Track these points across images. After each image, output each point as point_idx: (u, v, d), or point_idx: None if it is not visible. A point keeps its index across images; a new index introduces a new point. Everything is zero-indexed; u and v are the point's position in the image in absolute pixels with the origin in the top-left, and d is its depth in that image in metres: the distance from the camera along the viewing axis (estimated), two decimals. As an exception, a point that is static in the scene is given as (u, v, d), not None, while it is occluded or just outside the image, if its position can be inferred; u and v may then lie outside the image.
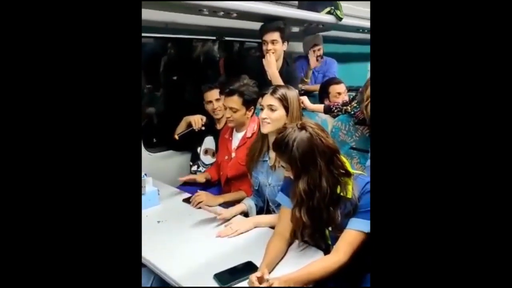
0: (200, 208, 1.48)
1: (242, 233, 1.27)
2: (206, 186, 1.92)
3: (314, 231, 1.09)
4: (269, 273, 1.01)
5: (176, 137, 1.89)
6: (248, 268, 1.05)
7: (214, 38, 2.51)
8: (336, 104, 1.96)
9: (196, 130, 1.93)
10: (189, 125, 1.96)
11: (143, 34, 1.66)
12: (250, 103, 1.65)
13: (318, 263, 1.04)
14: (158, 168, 2.00)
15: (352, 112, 1.85)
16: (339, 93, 2.32)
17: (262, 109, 1.42)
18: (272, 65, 1.98)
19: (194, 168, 2.02)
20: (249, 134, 1.68)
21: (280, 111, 1.38)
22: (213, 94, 1.95)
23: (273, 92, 1.40)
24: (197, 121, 1.93)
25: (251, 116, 1.70)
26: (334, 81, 2.36)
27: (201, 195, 1.53)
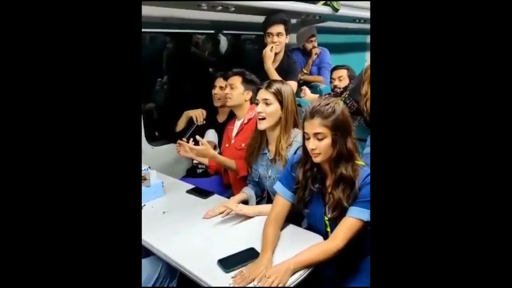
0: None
1: (244, 214, 1.33)
2: (207, 176, 1.98)
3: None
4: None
5: (185, 140, 1.71)
6: (250, 253, 1.11)
7: (213, 31, 2.53)
8: (326, 96, 1.99)
9: (200, 125, 1.99)
10: (191, 120, 2.01)
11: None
12: (248, 84, 1.77)
13: (317, 247, 1.10)
14: (161, 161, 2.05)
15: (344, 104, 1.88)
16: (340, 78, 2.41)
17: (257, 104, 1.46)
18: (268, 60, 1.98)
19: (196, 161, 2.06)
20: (245, 121, 1.75)
21: (275, 105, 1.43)
22: (220, 81, 2.01)
23: (268, 87, 1.44)
24: (198, 116, 2.01)
25: (250, 101, 1.77)
26: (338, 66, 2.49)
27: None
